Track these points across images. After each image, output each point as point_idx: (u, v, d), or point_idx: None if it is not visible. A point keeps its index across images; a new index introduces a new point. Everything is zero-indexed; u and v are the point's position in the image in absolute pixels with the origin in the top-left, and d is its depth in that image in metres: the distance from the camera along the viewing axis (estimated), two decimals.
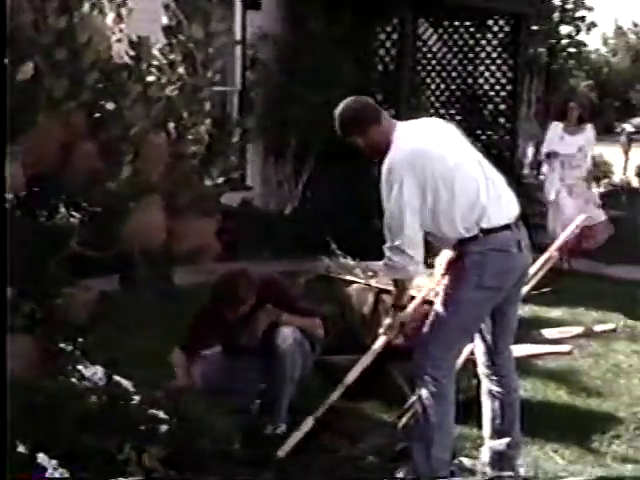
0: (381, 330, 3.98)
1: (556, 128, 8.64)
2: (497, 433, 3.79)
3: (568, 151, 8.41)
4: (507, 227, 3.60)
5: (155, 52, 2.91)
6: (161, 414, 3.57)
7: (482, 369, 3.83)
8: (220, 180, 2.84)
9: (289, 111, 9.02)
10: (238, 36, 9.27)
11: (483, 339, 3.77)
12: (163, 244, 2.72)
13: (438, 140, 3.69)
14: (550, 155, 8.63)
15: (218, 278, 4.21)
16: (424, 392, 3.60)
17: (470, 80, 11.27)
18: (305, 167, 9.43)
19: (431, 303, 3.82)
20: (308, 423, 3.96)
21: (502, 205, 3.65)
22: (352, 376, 4.00)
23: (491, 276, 3.55)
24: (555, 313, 6.69)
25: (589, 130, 8.60)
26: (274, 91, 9.22)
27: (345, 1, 9.09)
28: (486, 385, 3.82)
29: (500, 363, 3.78)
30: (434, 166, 3.54)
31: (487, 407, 3.82)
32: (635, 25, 57.13)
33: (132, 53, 2.76)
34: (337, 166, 9.18)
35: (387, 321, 3.93)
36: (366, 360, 4.02)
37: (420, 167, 3.52)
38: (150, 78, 2.82)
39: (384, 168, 3.56)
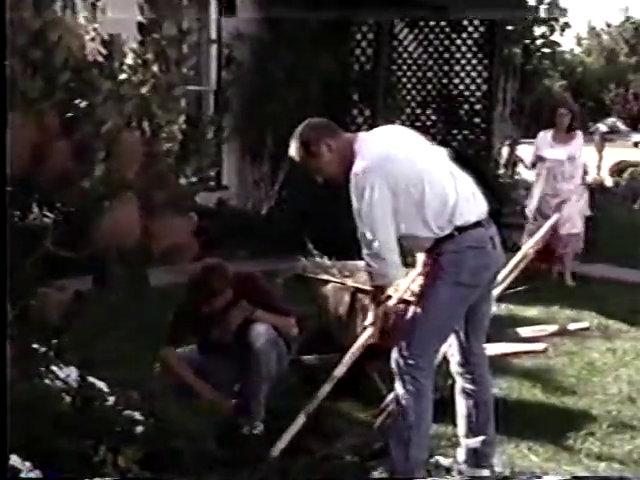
0: (366, 322, 3.95)
1: (545, 136, 8.19)
2: (472, 431, 3.81)
3: (557, 160, 8.01)
4: (480, 224, 3.62)
5: (128, 50, 2.89)
6: (137, 415, 3.55)
7: (456, 367, 3.84)
8: (195, 179, 2.83)
9: (265, 110, 9.00)
10: (214, 35, 9.23)
11: (457, 337, 3.78)
12: (138, 244, 2.70)
13: (402, 143, 3.72)
14: (536, 163, 8.24)
15: (194, 270, 4.20)
16: (403, 391, 3.61)
17: (445, 80, 11.30)
18: (281, 167, 9.41)
19: (408, 302, 3.82)
20: (300, 419, 3.95)
21: (472, 203, 3.67)
22: (341, 370, 3.99)
23: (468, 273, 3.57)
24: (530, 312, 6.73)
25: (580, 138, 8.20)
26: (250, 90, 9.20)
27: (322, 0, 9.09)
28: (460, 383, 3.83)
29: (474, 361, 3.80)
30: (402, 168, 3.56)
31: (461, 405, 3.83)
32: (608, 26, 57.63)
33: (104, 51, 2.74)
34: None
35: (370, 314, 3.90)
36: (355, 353, 4.00)
37: (389, 170, 3.53)
38: (123, 76, 2.80)
39: (352, 176, 3.55)
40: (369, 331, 3.94)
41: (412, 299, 3.79)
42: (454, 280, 3.56)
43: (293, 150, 3.79)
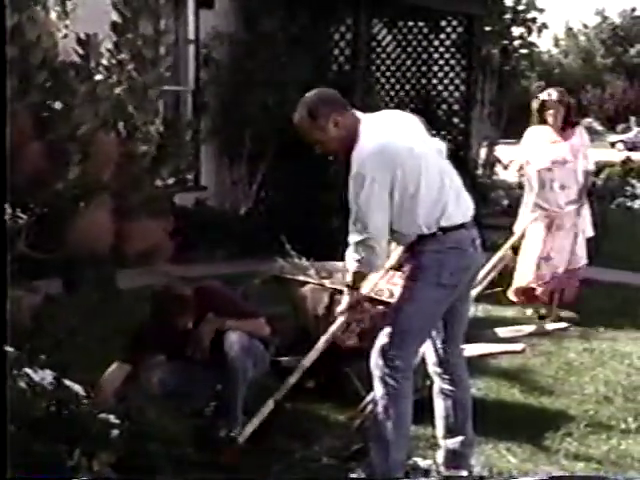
0: (338, 310, 3.91)
1: (534, 134, 6.55)
2: (450, 432, 3.80)
3: (550, 164, 6.42)
4: (463, 226, 3.62)
5: (103, 50, 2.86)
6: (112, 418, 3.51)
7: (433, 368, 3.83)
8: (171, 181, 2.80)
9: (243, 111, 8.97)
10: (191, 35, 9.19)
11: (435, 338, 3.77)
12: (112, 246, 2.67)
13: (405, 134, 3.64)
14: (524, 171, 6.73)
15: (154, 298, 4.13)
16: (382, 393, 3.58)
17: (424, 80, 11.31)
18: (260, 167, 9.39)
19: (384, 303, 3.82)
20: (269, 405, 3.96)
21: (460, 204, 3.66)
22: (309, 359, 3.98)
23: (449, 274, 3.55)
24: (508, 312, 6.74)
25: (580, 134, 6.53)
26: (228, 91, 9.16)
27: (300, 0, 9.08)
28: (438, 384, 3.82)
29: (452, 361, 3.79)
30: (403, 161, 3.51)
31: (439, 406, 3.83)
32: (585, 27, 58.10)
33: (80, 51, 2.70)
34: (292, 166, 9.16)
35: (343, 301, 3.83)
36: (323, 341, 3.98)
37: (390, 162, 3.48)
38: (98, 77, 2.76)
39: (354, 159, 3.51)
40: (340, 319, 3.91)
41: (390, 300, 3.78)
42: (435, 281, 3.54)
43: (298, 118, 3.63)
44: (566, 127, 6.42)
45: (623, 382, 5.22)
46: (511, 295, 6.57)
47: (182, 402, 4.06)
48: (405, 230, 3.60)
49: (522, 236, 6.20)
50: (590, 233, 6.64)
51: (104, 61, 3.07)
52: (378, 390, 3.61)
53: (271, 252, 5.27)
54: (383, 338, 3.59)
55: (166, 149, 2.71)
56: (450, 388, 3.79)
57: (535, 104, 6.48)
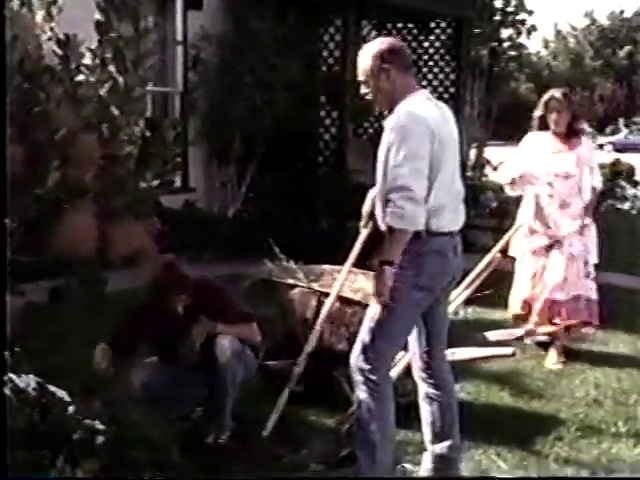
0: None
1: (535, 141, 5.68)
2: (437, 437, 3.77)
3: (553, 177, 5.57)
4: (449, 233, 3.60)
5: (85, 51, 2.80)
6: (97, 424, 3.46)
7: (418, 373, 3.80)
8: (155, 183, 2.75)
9: (232, 112, 8.92)
10: (180, 36, 9.13)
11: (417, 342, 3.76)
12: (96, 250, 2.62)
13: (444, 118, 3.63)
14: (518, 183, 5.73)
15: (152, 268, 4.09)
16: (363, 395, 3.56)
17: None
18: (249, 169, 9.35)
19: (364, 306, 3.80)
20: (284, 395, 4.08)
21: (456, 214, 3.66)
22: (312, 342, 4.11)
23: (427, 277, 3.53)
24: (498, 314, 6.71)
25: (587, 144, 5.75)
26: (217, 92, 9.11)
27: (289, 1, 9.03)
28: (423, 389, 3.80)
29: (435, 365, 3.77)
30: (440, 136, 3.48)
31: (425, 411, 3.80)
32: (574, 29, 58.30)
33: (60, 52, 2.65)
34: (281, 168, 9.13)
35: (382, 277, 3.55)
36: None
37: (430, 129, 3.44)
38: (80, 77, 2.71)
39: (401, 114, 3.46)
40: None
41: (366, 301, 3.77)
42: (413, 283, 3.52)
43: (362, 56, 3.66)
44: (571, 135, 5.59)
45: (613, 385, 5.20)
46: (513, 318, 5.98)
47: (168, 407, 4.01)
48: None
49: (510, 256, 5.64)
50: (594, 260, 5.71)
51: (88, 61, 3.01)
52: (359, 393, 3.59)
53: (260, 254, 5.23)
54: (361, 340, 3.59)
55: (149, 150, 2.66)
56: (435, 392, 3.76)
57: (537, 106, 5.71)
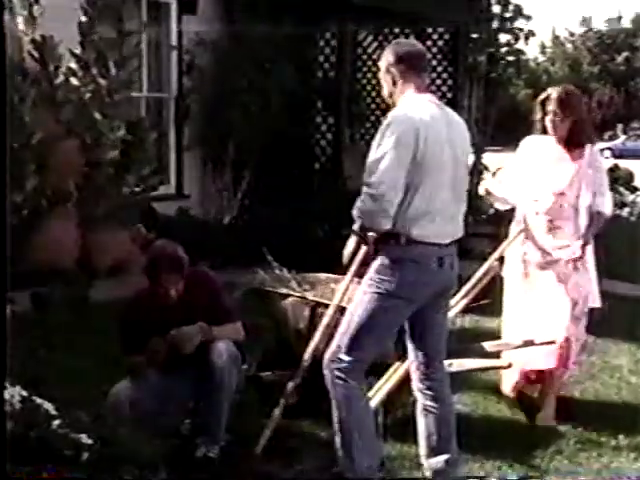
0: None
1: (533, 146, 4.80)
2: (433, 451, 3.70)
3: (546, 194, 4.65)
4: (434, 244, 3.52)
5: (66, 52, 2.71)
6: (84, 438, 3.36)
7: (416, 384, 3.75)
8: (138, 188, 2.65)
9: (227, 118, 8.84)
10: (174, 41, 9.05)
11: (415, 355, 3.70)
12: (78, 260, 2.52)
13: (452, 130, 3.59)
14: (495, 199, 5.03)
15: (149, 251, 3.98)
16: (336, 397, 3.58)
17: None
18: (244, 175, 9.26)
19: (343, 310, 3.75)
20: (280, 407, 4.02)
21: (448, 225, 3.56)
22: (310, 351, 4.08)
23: (402, 286, 3.48)
24: (496, 323, 6.59)
25: (593, 155, 4.71)
26: (211, 97, 9.03)
27: (284, 7, 8.95)
28: (421, 401, 3.73)
29: (433, 377, 3.70)
30: (428, 137, 3.44)
31: (422, 424, 3.73)
32: (572, 35, 58.31)
33: (36, 54, 2.55)
34: (277, 174, 9.03)
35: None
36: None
37: (416, 131, 3.43)
38: (60, 80, 2.62)
39: (389, 117, 3.49)
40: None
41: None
42: (385, 289, 3.48)
43: (385, 51, 3.74)
44: (573, 143, 4.65)
45: (614, 397, 5.09)
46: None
47: (156, 422, 3.88)
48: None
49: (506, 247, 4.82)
50: (597, 302, 4.76)
51: (72, 64, 2.92)
52: (332, 394, 3.60)
53: (255, 262, 5.13)
54: (335, 341, 3.61)
55: (129, 156, 2.57)
56: (433, 405, 3.70)
57: (535, 107, 4.82)
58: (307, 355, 4.13)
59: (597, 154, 4.79)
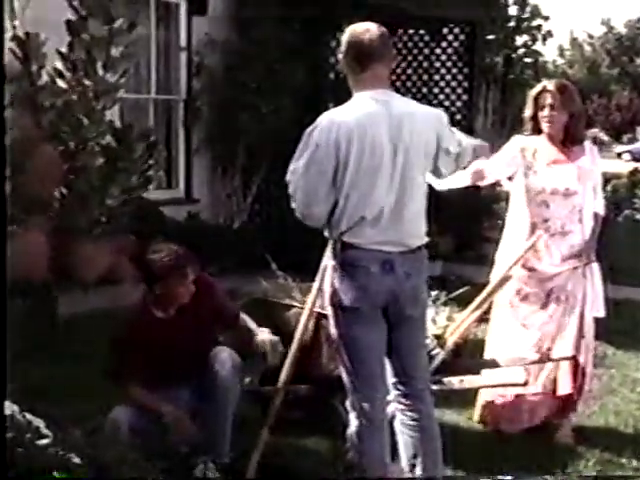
0: None
1: (522, 147, 4.45)
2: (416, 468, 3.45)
3: (548, 196, 4.36)
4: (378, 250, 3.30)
5: (53, 52, 2.53)
6: (74, 457, 3.19)
7: (394, 403, 3.51)
8: (122, 198, 2.48)
9: (237, 120, 8.69)
10: (183, 42, 8.92)
11: (391, 365, 3.47)
12: (53, 271, 2.34)
13: (383, 121, 3.33)
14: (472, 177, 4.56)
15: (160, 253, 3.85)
16: (350, 419, 3.44)
17: (425, 89, 11.06)
18: (254, 179, 9.10)
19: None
20: (264, 434, 3.82)
21: (392, 232, 3.29)
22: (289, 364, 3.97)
23: (345, 295, 3.29)
24: None
25: (592, 153, 4.45)
26: (221, 99, 8.89)
27: (294, 7, 8.79)
28: (399, 416, 3.49)
29: (415, 395, 3.45)
30: (355, 153, 3.26)
31: (403, 444, 3.48)
32: (590, 37, 57.96)
33: (19, 53, 2.38)
34: None
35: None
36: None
37: (339, 143, 3.27)
38: (43, 81, 2.44)
39: (317, 122, 3.36)
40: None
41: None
42: (337, 302, 3.32)
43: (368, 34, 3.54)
44: (569, 141, 4.38)
45: (635, 413, 4.85)
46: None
47: (157, 443, 3.68)
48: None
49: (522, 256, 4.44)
50: (601, 312, 4.49)
51: (58, 64, 2.74)
52: (349, 417, 3.47)
53: (264, 268, 4.99)
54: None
55: (115, 164, 2.39)
56: (413, 423, 3.45)
57: (528, 102, 4.49)
58: (286, 368, 3.96)
59: (596, 152, 4.51)
